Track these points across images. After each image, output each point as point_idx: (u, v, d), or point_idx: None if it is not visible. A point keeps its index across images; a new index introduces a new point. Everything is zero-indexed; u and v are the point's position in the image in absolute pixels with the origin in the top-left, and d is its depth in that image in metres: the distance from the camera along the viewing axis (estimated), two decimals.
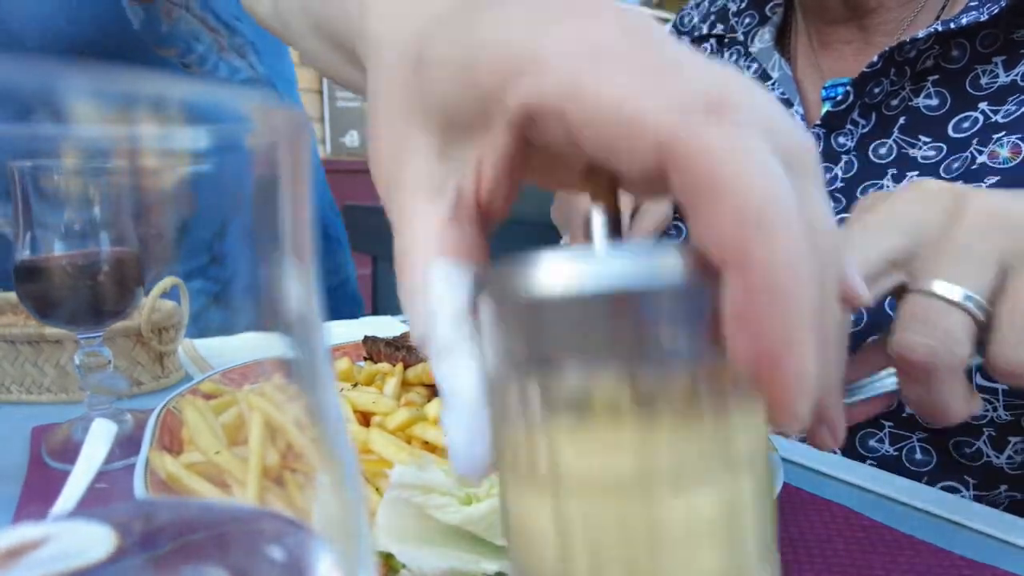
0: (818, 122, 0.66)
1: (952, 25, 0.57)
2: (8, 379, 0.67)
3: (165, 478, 0.33)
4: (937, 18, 0.64)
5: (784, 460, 0.49)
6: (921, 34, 0.58)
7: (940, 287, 0.33)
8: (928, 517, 0.46)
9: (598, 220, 0.20)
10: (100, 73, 0.11)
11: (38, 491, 0.45)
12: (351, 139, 4.90)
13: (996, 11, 0.55)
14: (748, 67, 0.75)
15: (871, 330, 0.56)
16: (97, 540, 0.17)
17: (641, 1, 6.27)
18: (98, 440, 0.42)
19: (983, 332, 0.34)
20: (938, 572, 0.39)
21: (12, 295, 0.71)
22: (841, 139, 0.65)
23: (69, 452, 0.51)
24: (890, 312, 0.37)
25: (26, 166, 0.45)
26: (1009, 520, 0.45)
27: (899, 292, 0.36)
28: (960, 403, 0.35)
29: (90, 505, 0.34)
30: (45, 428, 0.57)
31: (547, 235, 1.75)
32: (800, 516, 0.45)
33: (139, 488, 0.36)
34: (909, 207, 0.36)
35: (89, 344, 0.53)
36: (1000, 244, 0.34)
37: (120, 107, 0.12)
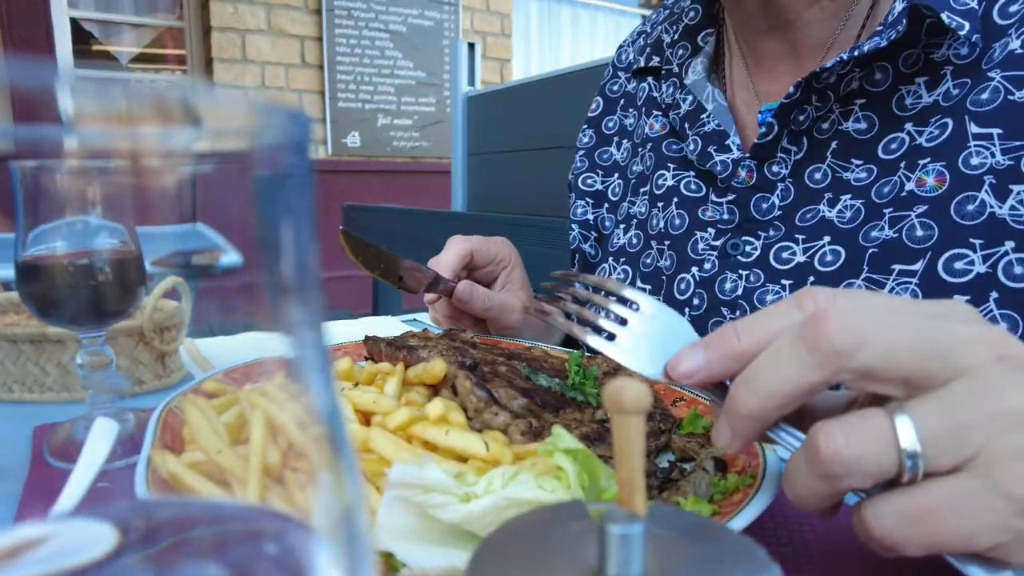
0: (747, 154, 0.67)
1: (856, 53, 0.57)
2: (10, 378, 0.67)
3: (167, 477, 0.33)
4: (858, 37, 0.64)
5: (784, 460, 0.49)
6: (829, 64, 0.59)
7: (903, 424, 0.31)
8: None
9: None
10: (102, 75, 0.11)
11: (40, 490, 0.46)
12: (352, 139, 4.90)
13: (894, 36, 0.55)
14: (684, 99, 0.75)
15: None
16: (99, 538, 0.17)
17: (640, 3, 6.26)
18: (100, 439, 0.42)
19: (890, 484, 0.32)
20: (937, 568, 0.39)
21: (14, 294, 0.71)
22: (775, 168, 0.66)
23: (71, 451, 0.51)
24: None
25: (29, 166, 0.46)
26: None
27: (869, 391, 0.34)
28: (812, 503, 0.34)
29: (92, 504, 0.34)
30: (47, 427, 0.57)
31: (549, 235, 1.75)
32: (800, 512, 0.45)
33: (141, 487, 0.36)
34: (977, 350, 0.32)
35: (91, 343, 0.53)
36: (998, 446, 0.30)
37: (122, 108, 0.12)
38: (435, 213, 2.57)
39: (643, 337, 0.39)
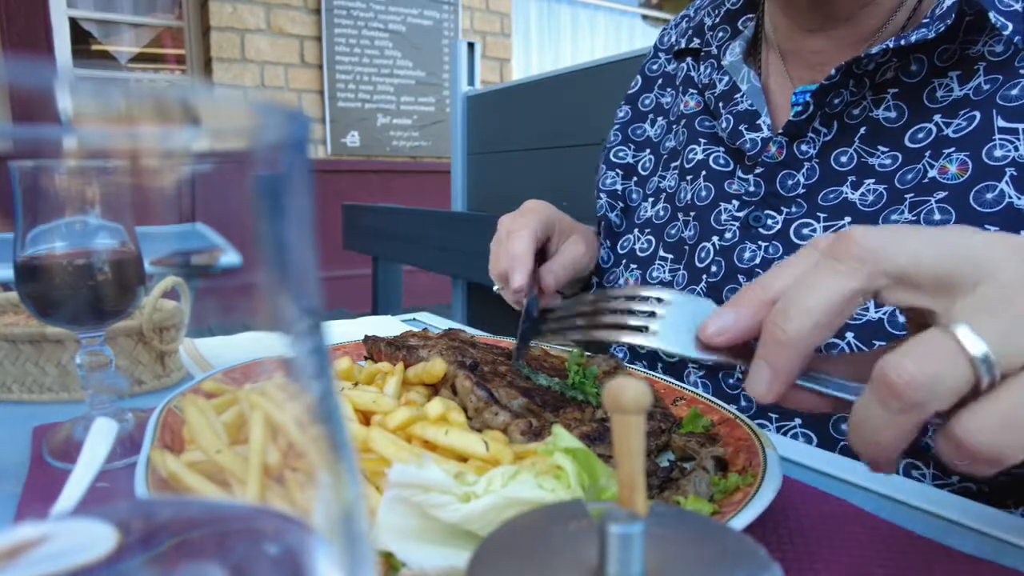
0: (780, 131, 0.69)
1: (903, 42, 0.59)
2: (9, 378, 0.67)
3: (166, 477, 0.33)
4: (902, 29, 0.66)
5: (784, 460, 0.49)
6: (874, 50, 0.60)
7: (964, 333, 0.31)
8: (927, 515, 0.46)
9: None
10: (101, 75, 0.11)
11: (39, 490, 0.46)
12: (352, 139, 4.89)
13: (943, 29, 0.57)
14: (720, 79, 0.78)
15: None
16: (98, 538, 0.17)
17: (641, 2, 6.27)
18: (99, 439, 0.42)
19: (971, 397, 0.31)
20: (937, 568, 0.40)
21: (14, 294, 0.71)
22: (804, 147, 0.68)
23: (70, 451, 0.51)
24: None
25: (28, 165, 0.46)
26: (1007, 519, 0.45)
27: (918, 317, 0.35)
28: (894, 446, 0.33)
29: (91, 504, 0.34)
30: (46, 427, 0.57)
31: None
32: (800, 512, 0.45)
33: (140, 487, 0.36)
34: (993, 248, 0.33)
35: (90, 343, 0.53)
36: None
37: (121, 108, 0.12)
38: (435, 213, 2.57)
39: (673, 320, 0.41)
